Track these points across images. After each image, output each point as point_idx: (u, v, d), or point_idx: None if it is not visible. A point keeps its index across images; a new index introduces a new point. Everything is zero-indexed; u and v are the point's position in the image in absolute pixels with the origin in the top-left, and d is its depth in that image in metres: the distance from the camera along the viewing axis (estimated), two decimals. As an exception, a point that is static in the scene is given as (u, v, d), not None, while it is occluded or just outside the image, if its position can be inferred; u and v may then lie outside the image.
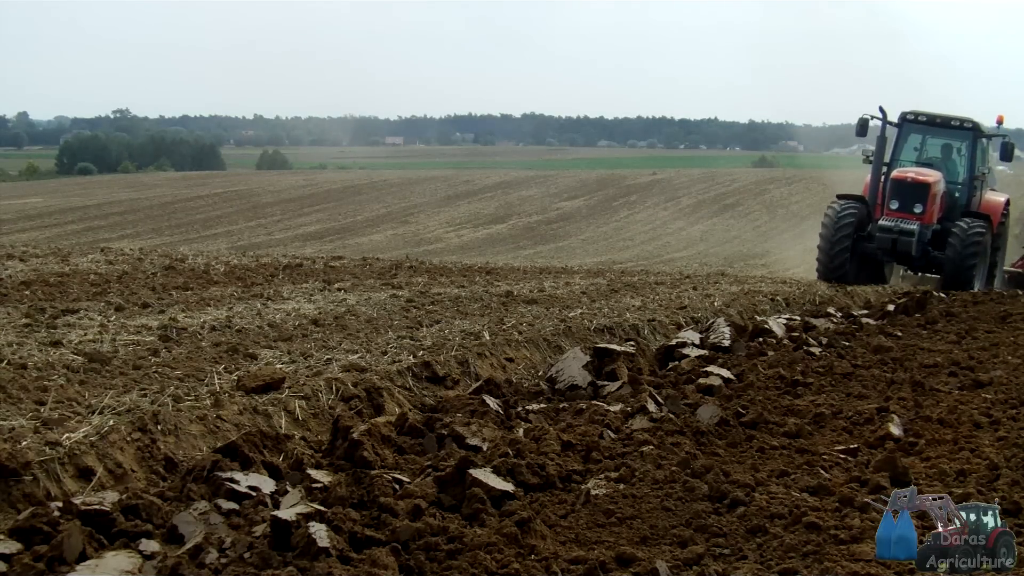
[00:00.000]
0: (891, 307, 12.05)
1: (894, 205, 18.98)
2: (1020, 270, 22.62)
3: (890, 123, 20.05)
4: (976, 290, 17.59)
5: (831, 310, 11.92)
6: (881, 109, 19.88)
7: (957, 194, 20.11)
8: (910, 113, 20.19)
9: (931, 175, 19.21)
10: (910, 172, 19.28)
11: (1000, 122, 20.44)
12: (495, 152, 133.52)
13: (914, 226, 18.69)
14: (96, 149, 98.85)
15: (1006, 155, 20.12)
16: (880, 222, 19.04)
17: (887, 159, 20.16)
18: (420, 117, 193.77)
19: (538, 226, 47.46)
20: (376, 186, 60.93)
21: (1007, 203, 20.91)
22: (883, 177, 19.57)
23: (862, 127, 20.19)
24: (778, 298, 12.81)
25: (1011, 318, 10.87)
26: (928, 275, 19.92)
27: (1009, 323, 10.59)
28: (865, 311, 12.04)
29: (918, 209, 18.75)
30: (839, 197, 20.13)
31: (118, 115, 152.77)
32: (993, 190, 21.41)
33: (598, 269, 18.48)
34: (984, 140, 20.32)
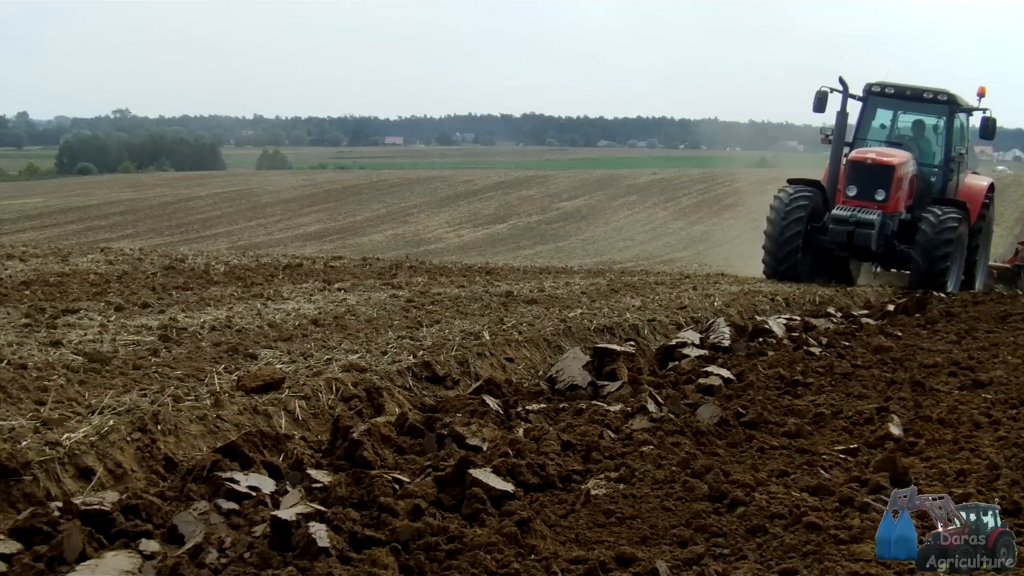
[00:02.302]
0: (891, 307, 12.06)
1: (852, 191, 16.54)
2: (1009, 266, 20.92)
3: (852, 96, 17.63)
4: (950, 290, 15.77)
5: (831, 310, 11.92)
6: (841, 80, 17.49)
7: (933, 178, 17.68)
8: (876, 84, 17.72)
9: (896, 156, 16.77)
10: (871, 152, 16.80)
11: (982, 94, 17.68)
12: (495, 152, 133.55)
13: (874, 216, 16.21)
14: (96, 149, 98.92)
15: (987, 132, 17.52)
16: (834, 211, 16.57)
17: (850, 138, 17.80)
18: (420, 117, 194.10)
19: (538, 226, 47.46)
20: (376, 186, 60.93)
21: (990, 188, 18.44)
22: (844, 159, 17.28)
23: (820, 102, 17.44)
24: (778, 298, 12.81)
25: (1011, 318, 10.87)
26: (905, 272, 17.63)
27: (1009, 323, 10.59)
28: (865, 311, 12.04)
29: (880, 196, 16.30)
30: (790, 182, 17.50)
31: (118, 115, 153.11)
32: (975, 173, 19.11)
33: (598, 269, 18.48)
34: (963, 115, 17.88)
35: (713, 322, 9.80)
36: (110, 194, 57.34)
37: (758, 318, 10.70)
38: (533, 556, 3.86)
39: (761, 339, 9.27)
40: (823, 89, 17.34)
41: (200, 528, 4.01)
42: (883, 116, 18.35)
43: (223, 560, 3.71)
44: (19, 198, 55.59)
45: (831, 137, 17.51)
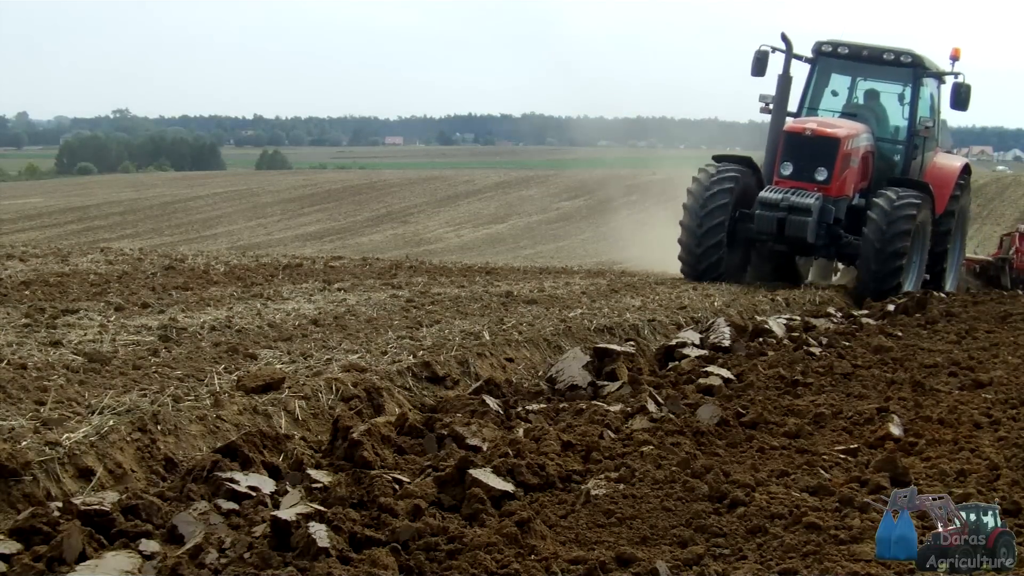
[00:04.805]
0: (891, 307, 12.05)
1: (786, 170, 13.79)
2: (993, 259, 18.36)
3: (797, 57, 14.89)
4: (908, 291, 13.55)
5: (831, 310, 11.92)
6: (784, 37, 14.76)
7: (897, 157, 15.05)
8: (826, 43, 14.91)
9: (843, 127, 14.07)
10: (810, 123, 14.13)
11: (956, 57, 14.94)
12: (495, 152, 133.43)
13: (811, 200, 13.45)
14: (96, 149, 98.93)
15: (959, 101, 14.63)
16: (762, 193, 13.79)
17: (795, 107, 15.16)
18: (420, 117, 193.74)
19: (538, 226, 47.42)
20: (376, 186, 60.87)
21: (964, 170, 15.71)
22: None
23: (759, 63, 14.58)
24: (778, 298, 12.81)
25: (1011, 318, 10.86)
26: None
27: (1009, 323, 10.58)
28: (865, 311, 12.03)
29: (821, 176, 13.63)
30: (716, 159, 14.72)
31: (118, 115, 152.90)
32: (948, 152, 16.53)
33: (598, 269, 18.45)
34: (932, 81, 15.22)
35: (713, 322, 9.80)
36: (110, 194, 57.27)
37: (758, 318, 10.70)
38: (533, 556, 3.86)
39: (761, 339, 9.28)
40: (763, 48, 14.58)
41: (200, 528, 4.01)
42: (838, 82, 15.61)
43: (223, 560, 3.71)
44: (19, 198, 55.54)
45: (771, 106, 14.76)
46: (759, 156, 15.11)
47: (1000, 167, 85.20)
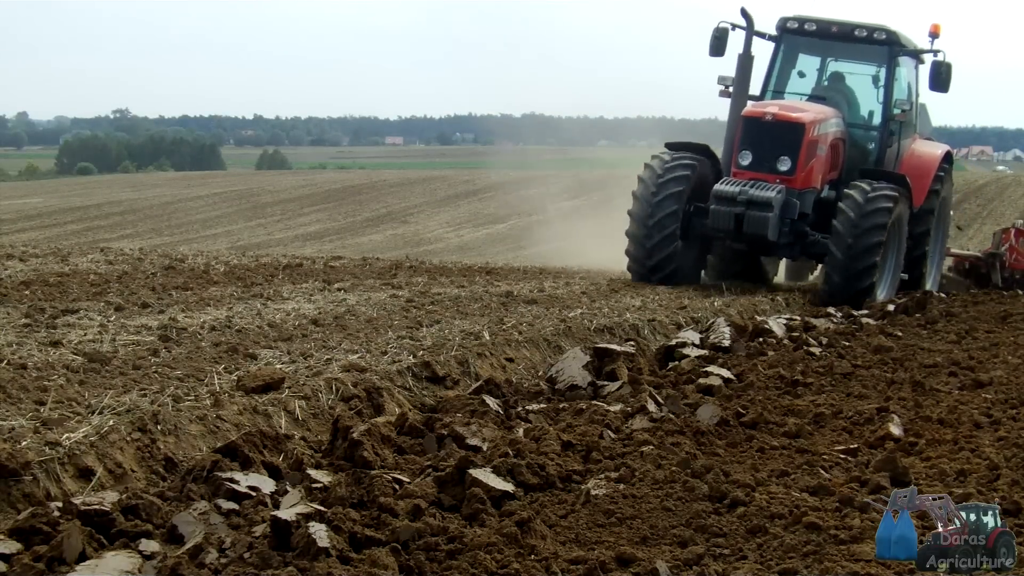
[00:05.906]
0: (891, 307, 12.04)
1: (745, 160, 12.37)
2: (983, 256, 16.78)
3: (759, 34, 13.46)
4: (881, 297, 12.48)
5: (831, 310, 11.91)
6: (744, 12, 13.33)
7: (871, 144, 13.64)
8: (792, 19, 13.44)
9: (809, 111, 12.70)
10: (771, 106, 12.69)
11: (935, 34, 13.41)
12: (495, 152, 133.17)
13: (772, 193, 12.05)
14: (96, 149, 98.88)
15: (939, 81, 13.20)
16: (717, 186, 12.32)
17: (758, 90, 13.77)
18: (420, 117, 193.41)
19: (538, 226, 47.36)
20: (376, 186, 60.81)
21: (945, 158, 14.24)
22: None
23: (718, 42, 13.19)
24: (778, 298, 12.81)
25: (1011, 318, 10.87)
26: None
27: (1009, 323, 10.59)
28: (865, 311, 12.03)
29: (784, 166, 12.23)
30: (669, 147, 13.28)
31: (118, 115, 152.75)
32: (928, 139, 14.86)
33: (598, 269, 18.43)
34: (909, 60, 13.85)
35: (713, 322, 9.80)
36: (110, 194, 57.24)
37: (758, 318, 10.70)
38: (533, 556, 3.86)
39: (761, 339, 9.28)
40: (722, 26, 13.17)
41: (200, 528, 4.02)
42: (805, 62, 14.12)
43: (223, 560, 3.71)
44: (19, 198, 55.51)
45: (731, 89, 13.34)
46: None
47: (1000, 167, 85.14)
